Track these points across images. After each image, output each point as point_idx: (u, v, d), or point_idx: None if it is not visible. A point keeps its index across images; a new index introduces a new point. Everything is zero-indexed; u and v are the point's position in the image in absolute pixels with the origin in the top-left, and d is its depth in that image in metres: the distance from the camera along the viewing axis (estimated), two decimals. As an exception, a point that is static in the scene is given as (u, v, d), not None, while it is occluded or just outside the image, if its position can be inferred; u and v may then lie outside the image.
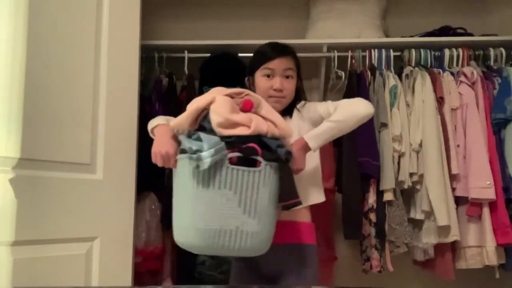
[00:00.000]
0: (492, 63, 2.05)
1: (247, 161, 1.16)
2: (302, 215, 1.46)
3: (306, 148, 1.35)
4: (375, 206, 1.86)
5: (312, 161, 1.45)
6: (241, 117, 1.19)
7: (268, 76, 1.46)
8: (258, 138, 1.19)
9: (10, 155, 1.22)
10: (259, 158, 1.16)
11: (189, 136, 1.19)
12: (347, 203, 1.88)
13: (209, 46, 2.05)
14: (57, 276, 1.31)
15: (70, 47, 1.40)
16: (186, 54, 2.01)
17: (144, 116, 1.80)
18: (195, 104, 1.21)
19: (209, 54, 2.03)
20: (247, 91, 1.27)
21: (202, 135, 1.15)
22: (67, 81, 1.39)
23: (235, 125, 1.18)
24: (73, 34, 1.42)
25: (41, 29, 1.32)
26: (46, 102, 1.32)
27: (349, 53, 2.04)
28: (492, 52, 2.04)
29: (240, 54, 2.02)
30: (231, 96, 1.23)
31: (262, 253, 1.22)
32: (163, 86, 2.01)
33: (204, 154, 1.10)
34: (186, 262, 1.88)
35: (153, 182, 1.88)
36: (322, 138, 1.36)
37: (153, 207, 1.88)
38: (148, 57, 1.98)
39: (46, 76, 1.33)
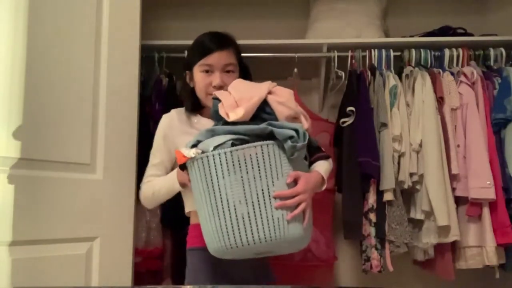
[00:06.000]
0: (492, 63, 2.04)
1: None
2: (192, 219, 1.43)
3: (321, 185, 1.29)
4: (375, 206, 1.86)
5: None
6: (300, 110, 1.28)
7: (207, 71, 1.36)
8: None
9: (10, 155, 1.22)
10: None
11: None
12: (347, 203, 1.88)
13: (209, 46, 2.04)
14: (57, 276, 1.31)
15: (70, 47, 1.41)
16: (186, 54, 2.01)
17: (144, 116, 1.81)
18: (257, 96, 1.21)
19: (209, 54, 2.02)
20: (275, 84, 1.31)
21: (284, 123, 1.19)
22: (67, 81, 1.39)
23: (296, 118, 1.25)
24: (73, 34, 1.42)
25: (41, 29, 1.32)
26: (46, 103, 1.32)
27: (349, 53, 2.04)
28: (492, 52, 2.03)
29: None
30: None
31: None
32: (163, 86, 2.00)
33: (304, 143, 1.15)
34: (186, 262, 1.87)
35: (153, 182, 1.89)
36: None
37: (153, 207, 1.88)
38: (148, 57, 1.98)
39: (46, 76, 1.33)
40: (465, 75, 1.95)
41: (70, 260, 1.35)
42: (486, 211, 1.82)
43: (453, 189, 1.85)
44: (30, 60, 1.28)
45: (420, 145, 1.87)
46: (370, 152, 1.85)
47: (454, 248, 1.87)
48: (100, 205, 1.44)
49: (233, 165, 1.12)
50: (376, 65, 2.01)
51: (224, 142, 1.15)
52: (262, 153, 1.13)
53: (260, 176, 1.12)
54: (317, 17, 2.24)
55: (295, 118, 1.25)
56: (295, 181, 1.15)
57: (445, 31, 2.17)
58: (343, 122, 1.93)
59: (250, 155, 1.12)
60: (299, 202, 1.14)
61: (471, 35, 2.15)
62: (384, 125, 1.89)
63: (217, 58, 1.36)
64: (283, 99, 1.23)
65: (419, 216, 1.86)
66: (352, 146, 1.88)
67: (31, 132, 1.27)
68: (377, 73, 1.97)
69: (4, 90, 1.23)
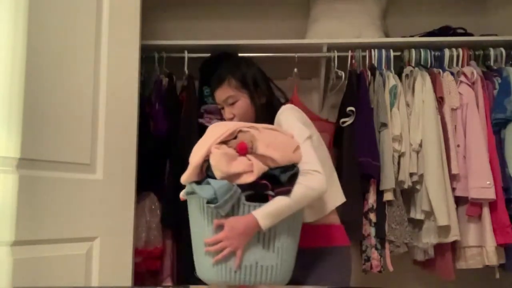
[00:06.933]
0: (492, 63, 2.05)
1: (260, 197, 1.17)
2: (332, 218, 1.46)
3: (255, 227, 1.15)
4: (375, 206, 1.86)
5: (327, 162, 1.42)
6: (242, 166, 1.16)
7: (223, 108, 1.48)
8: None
9: (10, 155, 1.22)
10: (270, 193, 1.16)
11: (199, 183, 1.22)
12: (347, 203, 1.88)
13: (209, 46, 2.05)
14: (57, 276, 1.31)
15: (70, 47, 1.40)
16: (186, 54, 2.01)
17: (144, 116, 1.81)
18: (193, 161, 1.22)
19: (209, 54, 2.03)
20: (238, 128, 1.22)
21: (212, 181, 1.16)
22: (67, 81, 1.39)
23: (238, 175, 1.16)
24: (73, 35, 1.42)
25: (41, 29, 1.32)
26: (46, 102, 1.32)
27: (349, 53, 2.04)
28: (492, 52, 2.03)
29: (240, 54, 2.02)
30: (224, 141, 1.20)
31: (283, 285, 1.23)
32: (163, 86, 2.00)
33: (221, 202, 1.12)
34: (186, 262, 1.87)
35: (153, 182, 1.89)
36: (276, 216, 1.16)
37: (153, 207, 1.88)
38: (148, 57, 1.98)
39: (46, 76, 1.33)
40: (465, 75, 1.95)
41: (70, 260, 1.35)
42: (486, 211, 1.82)
43: (453, 189, 1.85)
44: (30, 60, 1.27)
45: (420, 145, 1.87)
46: (370, 152, 1.85)
47: (454, 248, 1.87)
48: (100, 205, 1.44)
49: (189, 211, 1.27)
50: (376, 65, 2.02)
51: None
52: (196, 203, 1.22)
53: (199, 223, 1.22)
54: (317, 17, 2.24)
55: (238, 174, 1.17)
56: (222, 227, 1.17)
57: (445, 31, 2.17)
58: (343, 122, 1.93)
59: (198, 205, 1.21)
60: (222, 248, 1.15)
61: (471, 35, 2.15)
62: (384, 125, 1.89)
63: (218, 96, 1.48)
64: (213, 163, 1.17)
65: (419, 216, 1.86)
66: (352, 146, 1.88)
67: (31, 132, 1.27)
68: (377, 73, 1.97)
69: (4, 90, 1.22)
